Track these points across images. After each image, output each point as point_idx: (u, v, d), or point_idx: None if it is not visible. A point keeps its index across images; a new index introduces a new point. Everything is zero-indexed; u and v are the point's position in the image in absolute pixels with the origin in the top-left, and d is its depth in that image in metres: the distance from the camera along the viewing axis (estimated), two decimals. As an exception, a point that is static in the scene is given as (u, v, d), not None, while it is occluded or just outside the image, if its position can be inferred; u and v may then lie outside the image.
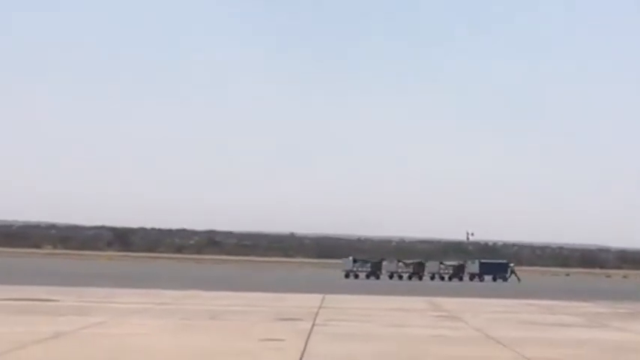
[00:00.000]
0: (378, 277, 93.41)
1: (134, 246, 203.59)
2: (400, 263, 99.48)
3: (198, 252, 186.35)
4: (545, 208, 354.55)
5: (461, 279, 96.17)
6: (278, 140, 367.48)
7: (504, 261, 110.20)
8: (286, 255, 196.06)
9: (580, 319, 33.74)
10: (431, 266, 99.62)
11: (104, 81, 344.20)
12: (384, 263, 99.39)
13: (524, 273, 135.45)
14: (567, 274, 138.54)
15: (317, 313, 32.40)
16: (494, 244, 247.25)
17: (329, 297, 44.32)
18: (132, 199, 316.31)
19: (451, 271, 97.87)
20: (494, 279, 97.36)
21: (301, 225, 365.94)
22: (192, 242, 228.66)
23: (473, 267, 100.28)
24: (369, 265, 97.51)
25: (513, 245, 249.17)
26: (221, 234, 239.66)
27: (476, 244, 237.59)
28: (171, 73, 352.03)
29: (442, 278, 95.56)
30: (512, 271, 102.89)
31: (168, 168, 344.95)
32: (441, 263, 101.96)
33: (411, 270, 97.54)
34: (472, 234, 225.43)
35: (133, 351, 19.75)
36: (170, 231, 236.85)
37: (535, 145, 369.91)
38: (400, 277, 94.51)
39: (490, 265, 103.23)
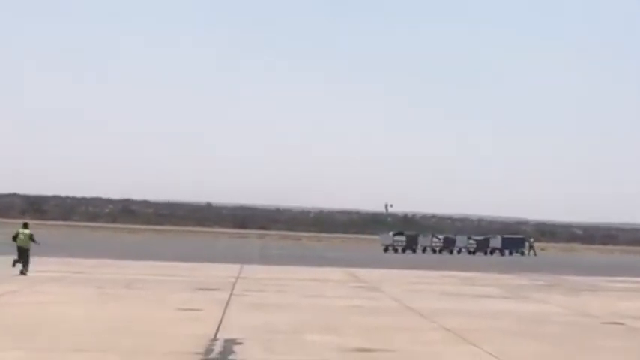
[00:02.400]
0: (414, 251, 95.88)
1: (48, 214, 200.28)
2: (434, 238, 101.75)
3: (114, 221, 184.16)
4: (466, 181, 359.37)
5: (486, 252, 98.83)
6: (197, 111, 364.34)
7: (522, 236, 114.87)
8: (203, 225, 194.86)
9: (500, 291, 34.12)
10: (459, 241, 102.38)
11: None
12: (420, 237, 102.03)
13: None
14: None
15: (235, 283, 32.22)
16: (414, 215, 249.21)
17: (247, 267, 44.08)
18: (45, 166, 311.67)
19: (476, 246, 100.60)
20: (511, 253, 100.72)
21: (219, 195, 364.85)
22: (107, 211, 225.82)
23: (495, 242, 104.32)
24: (404, 239, 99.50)
25: (432, 217, 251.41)
26: (137, 203, 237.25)
27: (395, 215, 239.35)
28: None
29: (470, 252, 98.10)
30: (531, 246, 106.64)
31: (83, 136, 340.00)
32: (469, 238, 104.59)
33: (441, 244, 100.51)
34: (391, 205, 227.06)
35: (47, 320, 19.28)
36: (84, 199, 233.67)
37: (453, 118, 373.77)
38: (434, 251, 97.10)
39: (510, 240, 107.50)
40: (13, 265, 33.21)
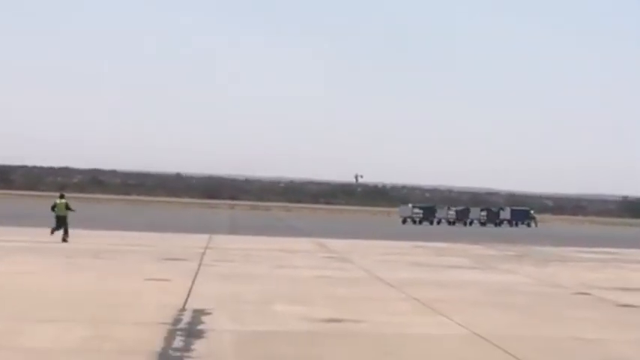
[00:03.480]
0: (431, 223, 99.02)
1: (14, 184, 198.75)
2: (449, 211, 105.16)
3: (82, 190, 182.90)
4: (437, 152, 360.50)
5: (496, 224, 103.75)
6: (161, 80, 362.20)
7: (528, 208, 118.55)
8: (172, 195, 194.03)
9: (469, 261, 34.27)
10: (473, 213, 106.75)
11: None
12: (437, 210, 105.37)
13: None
14: None
15: (203, 254, 32.11)
16: (384, 186, 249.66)
17: (216, 237, 43.96)
18: (12, 135, 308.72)
19: (487, 218, 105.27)
20: (516, 224, 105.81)
21: (188, 165, 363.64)
22: (75, 181, 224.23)
23: (504, 214, 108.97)
24: (421, 211, 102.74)
25: (403, 187, 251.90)
26: (105, 173, 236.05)
27: (365, 186, 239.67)
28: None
29: (481, 223, 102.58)
30: (533, 218, 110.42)
31: (49, 105, 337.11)
32: (482, 210, 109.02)
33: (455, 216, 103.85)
34: (361, 176, 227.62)
35: (15, 290, 19.09)
36: (52, 169, 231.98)
37: (424, 89, 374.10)
38: (449, 223, 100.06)
39: (518, 212, 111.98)
40: (52, 232, 36.68)
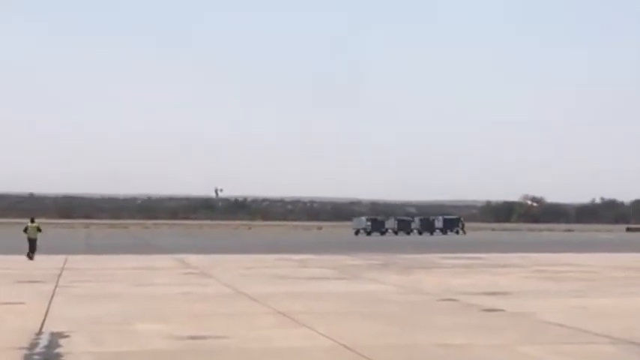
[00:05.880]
0: (382, 233, 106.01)
1: None
2: (395, 221, 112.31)
3: None
4: (295, 164, 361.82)
5: (431, 232, 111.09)
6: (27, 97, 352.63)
7: (458, 217, 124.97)
8: (26, 216, 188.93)
9: (333, 272, 34.29)
10: (415, 223, 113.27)
11: None
12: (386, 221, 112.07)
13: (278, 228, 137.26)
14: (319, 228, 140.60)
15: (60, 275, 31.26)
16: (245, 199, 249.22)
17: (72, 258, 42.99)
18: None
19: (422, 227, 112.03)
20: (445, 232, 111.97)
21: (42, 185, 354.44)
22: None
23: (438, 223, 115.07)
24: (370, 223, 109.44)
25: (264, 200, 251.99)
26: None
27: (225, 200, 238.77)
28: None
29: (419, 232, 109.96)
30: (463, 225, 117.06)
31: None
32: (421, 220, 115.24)
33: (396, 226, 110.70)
34: (221, 190, 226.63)
35: None
36: None
37: (278, 99, 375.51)
38: (394, 232, 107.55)
39: (449, 220, 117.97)
40: (30, 258, 41.56)
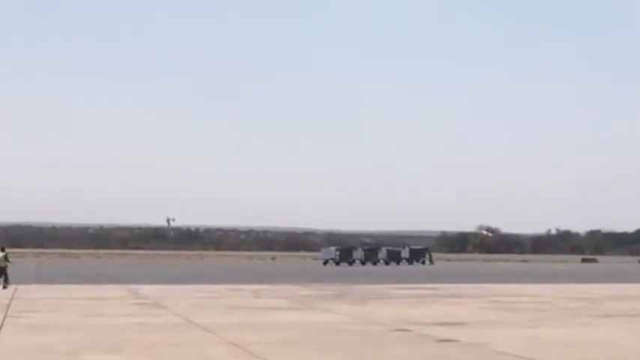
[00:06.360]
0: (350, 263, 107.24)
1: None
2: (362, 251, 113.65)
3: None
4: (250, 194, 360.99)
5: (398, 262, 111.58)
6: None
7: (425, 247, 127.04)
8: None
9: (287, 302, 34.04)
10: (381, 253, 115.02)
11: None
12: (353, 251, 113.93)
13: (231, 258, 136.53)
14: (273, 258, 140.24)
15: (9, 305, 30.74)
16: (197, 229, 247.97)
17: (22, 288, 42.40)
18: None
19: (389, 257, 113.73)
20: (411, 262, 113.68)
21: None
22: None
23: (405, 253, 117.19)
24: (339, 253, 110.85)
25: (217, 230, 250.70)
26: None
27: (177, 229, 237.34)
28: None
29: (386, 263, 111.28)
30: (430, 255, 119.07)
31: None
32: (388, 250, 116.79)
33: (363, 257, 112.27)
34: (173, 219, 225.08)
35: None
36: None
37: (236, 127, 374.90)
38: (362, 263, 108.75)
39: (416, 251, 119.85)
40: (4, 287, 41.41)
